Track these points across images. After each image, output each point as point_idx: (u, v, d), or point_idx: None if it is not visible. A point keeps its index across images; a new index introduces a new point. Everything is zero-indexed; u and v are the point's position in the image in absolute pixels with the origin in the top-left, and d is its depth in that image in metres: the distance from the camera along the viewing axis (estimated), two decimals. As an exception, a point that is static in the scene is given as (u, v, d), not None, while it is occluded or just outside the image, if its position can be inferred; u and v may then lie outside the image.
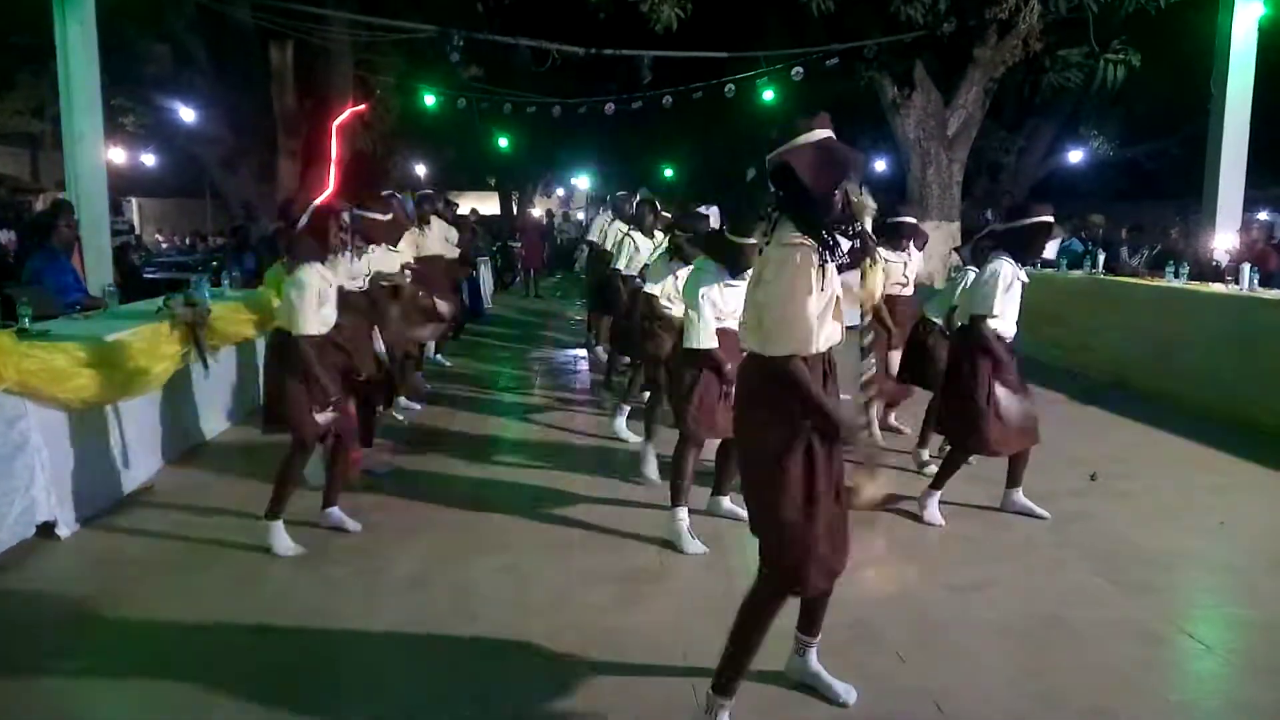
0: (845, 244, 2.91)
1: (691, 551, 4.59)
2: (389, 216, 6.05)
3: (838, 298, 2.93)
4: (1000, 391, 4.81)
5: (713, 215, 5.88)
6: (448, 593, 4.14)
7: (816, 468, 2.86)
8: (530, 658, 3.53)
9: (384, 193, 6.72)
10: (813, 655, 3.27)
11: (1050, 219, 4.85)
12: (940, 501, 5.11)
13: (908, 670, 3.42)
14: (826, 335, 2.89)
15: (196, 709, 3.21)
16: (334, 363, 4.85)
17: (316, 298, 4.54)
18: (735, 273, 4.61)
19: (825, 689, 3.22)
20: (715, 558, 4.53)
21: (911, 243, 6.62)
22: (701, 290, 4.66)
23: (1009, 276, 4.79)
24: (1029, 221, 4.81)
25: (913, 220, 6.82)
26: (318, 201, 4.82)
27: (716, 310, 4.68)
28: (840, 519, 2.98)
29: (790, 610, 3.12)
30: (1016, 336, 4.99)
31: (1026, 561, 4.56)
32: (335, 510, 4.93)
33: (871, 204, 3.80)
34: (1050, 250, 4.81)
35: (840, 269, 2.96)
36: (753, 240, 4.35)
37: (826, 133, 2.87)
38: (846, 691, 3.20)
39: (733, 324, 4.58)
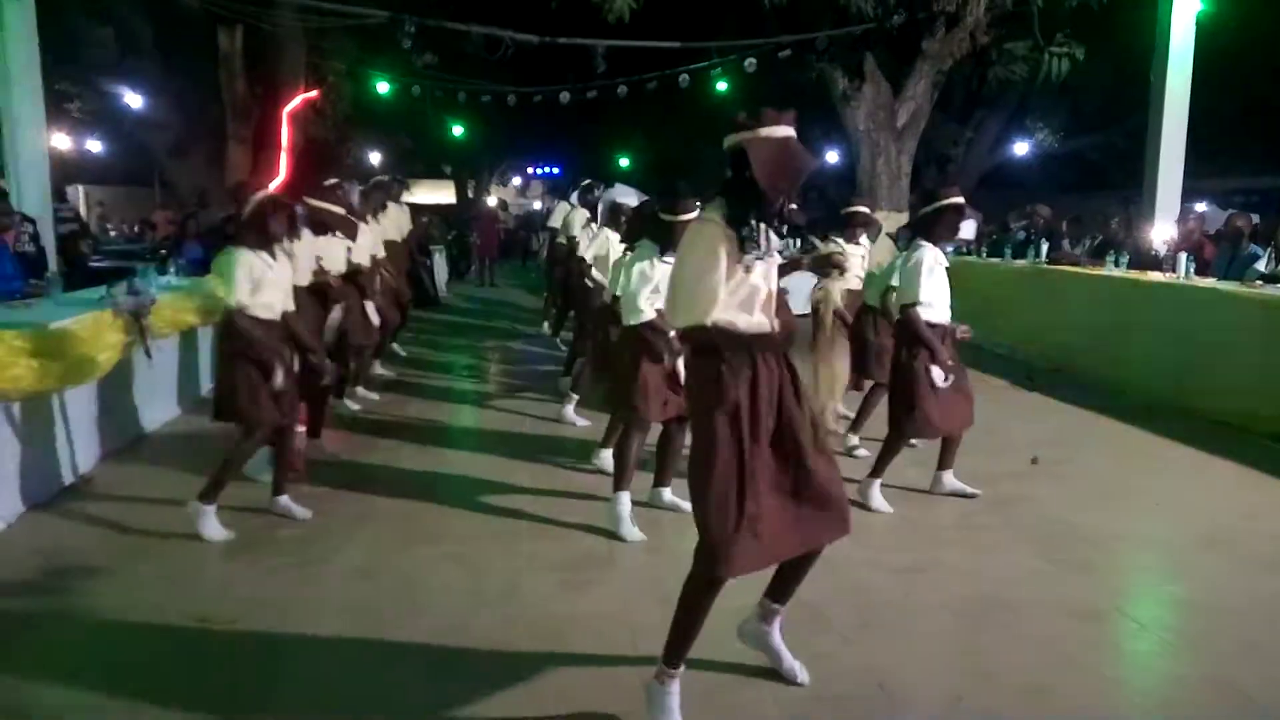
0: (774, 242, 2.94)
1: (630, 539, 4.61)
2: (341, 211, 6.06)
3: (776, 295, 2.99)
4: (936, 375, 4.92)
5: (626, 195, 6.02)
6: (394, 583, 4.12)
7: (745, 446, 2.87)
8: (478, 646, 3.53)
9: (330, 182, 6.67)
10: (775, 625, 3.27)
11: (959, 200, 4.98)
12: (882, 486, 5.18)
13: (852, 651, 3.47)
14: (746, 322, 2.94)
15: (137, 700, 3.16)
16: (278, 349, 4.74)
17: (248, 275, 4.53)
18: (665, 250, 4.67)
19: (777, 661, 3.26)
20: (661, 543, 4.56)
21: (865, 233, 6.71)
22: (637, 266, 4.75)
23: (930, 262, 4.95)
24: (938, 205, 4.95)
25: (865, 209, 6.89)
26: (261, 193, 4.77)
27: (652, 286, 4.70)
28: (784, 509, 2.94)
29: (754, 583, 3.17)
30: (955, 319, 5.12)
31: (968, 543, 4.65)
32: (284, 498, 4.91)
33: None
34: (968, 230, 4.89)
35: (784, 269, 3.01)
36: (686, 217, 4.44)
37: (790, 131, 2.90)
38: (801, 670, 3.24)
39: None
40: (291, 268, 5.03)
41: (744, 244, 2.89)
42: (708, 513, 2.88)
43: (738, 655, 3.38)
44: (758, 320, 2.98)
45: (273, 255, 4.69)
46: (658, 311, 4.69)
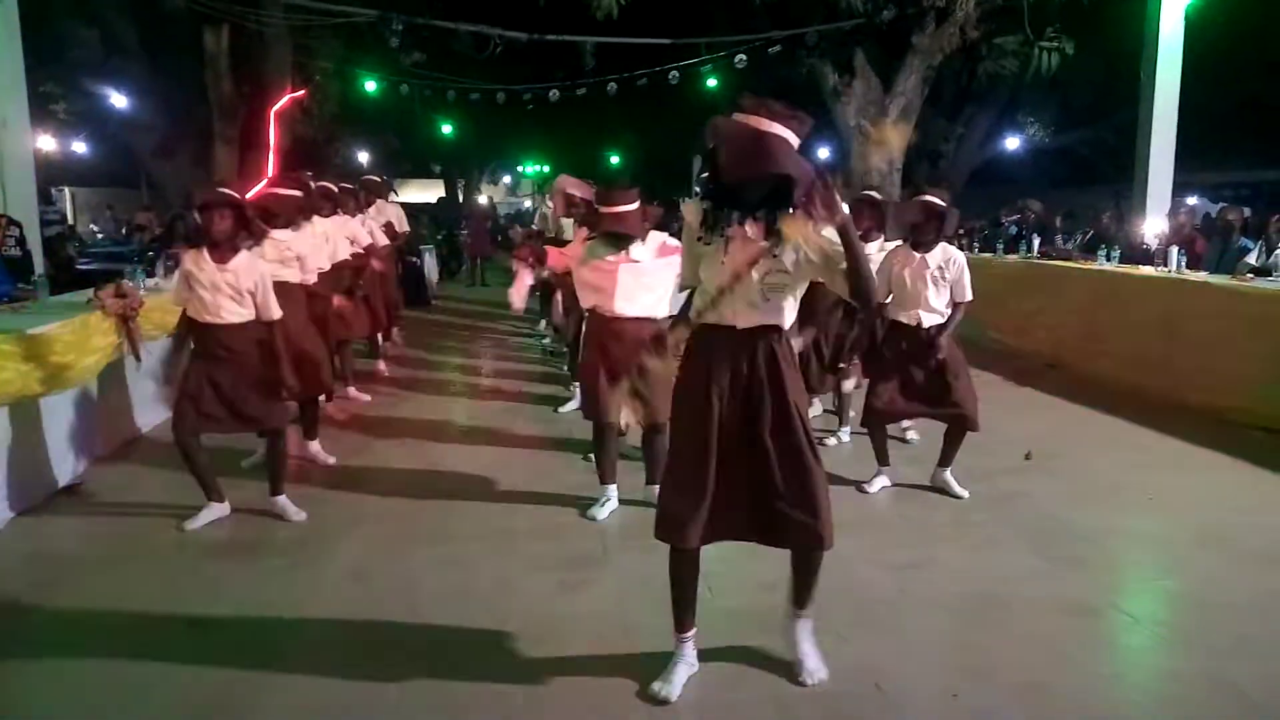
0: (747, 227, 2.91)
1: (594, 518, 4.84)
2: (298, 193, 5.87)
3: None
4: (881, 364, 5.14)
5: (573, 186, 6.24)
6: (389, 584, 4.10)
7: (696, 427, 2.99)
8: (473, 647, 3.51)
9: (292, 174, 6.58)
10: (798, 625, 3.27)
11: (930, 199, 5.02)
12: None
13: (849, 649, 3.46)
14: (731, 307, 2.95)
15: (132, 701, 3.15)
16: (224, 356, 4.64)
17: (185, 280, 4.58)
18: (593, 236, 4.76)
19: (793, 656, 3.26)
20: (655, 541, 4.52)
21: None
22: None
23: (887, 262, 5.13)
24: (915, 202, 5.08)
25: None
26: (200, 191, 4.77)
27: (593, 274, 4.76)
28: (720, 498, 3.00)
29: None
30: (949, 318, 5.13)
31: (963, 540, 4.64)
32: (282, 498, 4.90)
33: None
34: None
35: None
36: (619, 209, 4.50)
37: (765, 126, 2.78)
38: (813, 673, 3.21)
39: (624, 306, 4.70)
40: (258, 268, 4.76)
41: (706, 225, 2.96)
42: (663, 486, 3.13)
43: (734, 653, 3.37)
44: (717, 306, 2.97)
45: (216, 256, 4.57)
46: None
